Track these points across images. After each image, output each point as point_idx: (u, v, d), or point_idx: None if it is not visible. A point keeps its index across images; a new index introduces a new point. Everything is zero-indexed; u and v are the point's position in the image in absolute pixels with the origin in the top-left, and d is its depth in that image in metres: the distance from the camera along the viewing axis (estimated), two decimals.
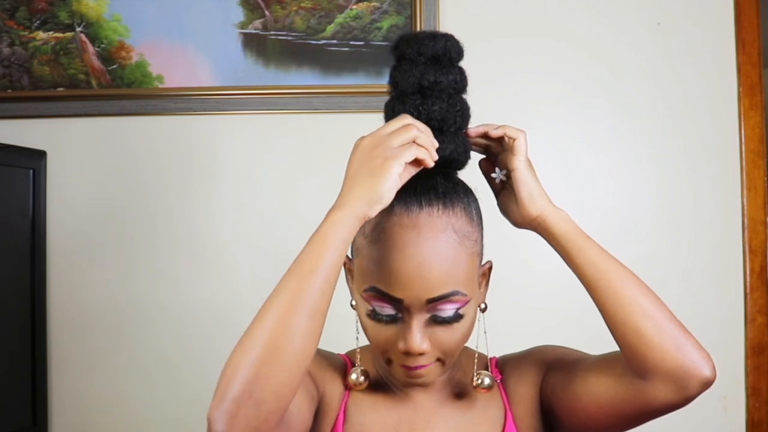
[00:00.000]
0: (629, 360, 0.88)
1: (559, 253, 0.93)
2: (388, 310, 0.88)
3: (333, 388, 0.98)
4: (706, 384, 0.86)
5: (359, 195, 0.81)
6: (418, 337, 0.87)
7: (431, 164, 0.84)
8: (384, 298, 0.87)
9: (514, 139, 0.93)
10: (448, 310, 0.87)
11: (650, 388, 0.86)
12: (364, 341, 0.95)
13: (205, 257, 1.85)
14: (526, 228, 0.95)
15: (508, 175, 0.94)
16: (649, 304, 0.88)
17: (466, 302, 0.88)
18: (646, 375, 0.86)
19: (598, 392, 0.90)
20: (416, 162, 0.84)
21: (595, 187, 1.86)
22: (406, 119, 0.86)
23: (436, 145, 0.86)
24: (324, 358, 1.00)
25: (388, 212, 0.87)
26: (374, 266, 0.87)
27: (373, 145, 0.83)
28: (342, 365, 1.01)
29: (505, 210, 0.97)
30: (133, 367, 1.84)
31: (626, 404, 0.88)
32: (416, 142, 0.84)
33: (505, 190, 0.96)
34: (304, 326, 0.79)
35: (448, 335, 0.88)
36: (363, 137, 0.85)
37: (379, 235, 0.88)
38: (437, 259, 0.86)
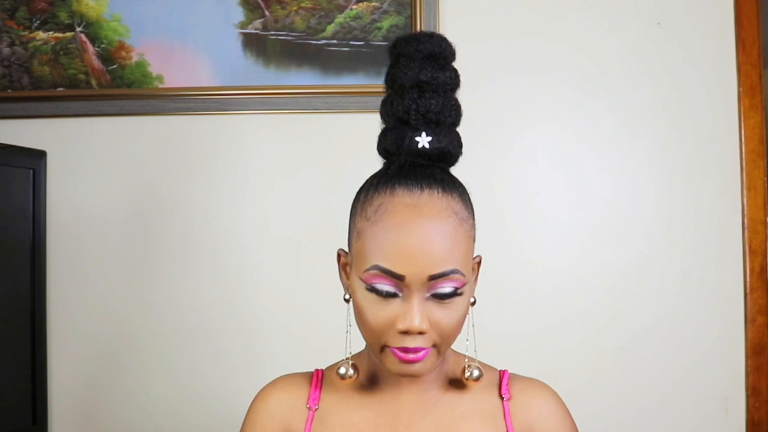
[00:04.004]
0: None
1: None
2: (388, 289, 0.88)
3: (294, 421, 0.99)
4: None
5: None
6: (419, 315, 0.87)
7: None
8: (386, 275, 0.88)
9: None
10: (447, 288, 0.88)
11: None
12: (355, 335, 0.94)
13: (203, 257, 1.85)
14: None
15: None
16: None
17: (464, 284, 0.89)
18: None
19: None
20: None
21: (594, 187, 1.86)
22: None
23: None
24: (269, 410, 1.01)
25: (390, 194, 0.90)
26: (377, 245, 0.89)
27: None
28: (306, 384, 1.02)
29: None
30: (132, 367, 1.84)
31: None
32: None
33: None
34: None
35: (446, 316, 0.89)
36: None
37: (381, 215, 0.89)
38: (439, 237, 0.87)
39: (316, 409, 0.99)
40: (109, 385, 1.85)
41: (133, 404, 1.84)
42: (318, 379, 1.01)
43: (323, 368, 1.04)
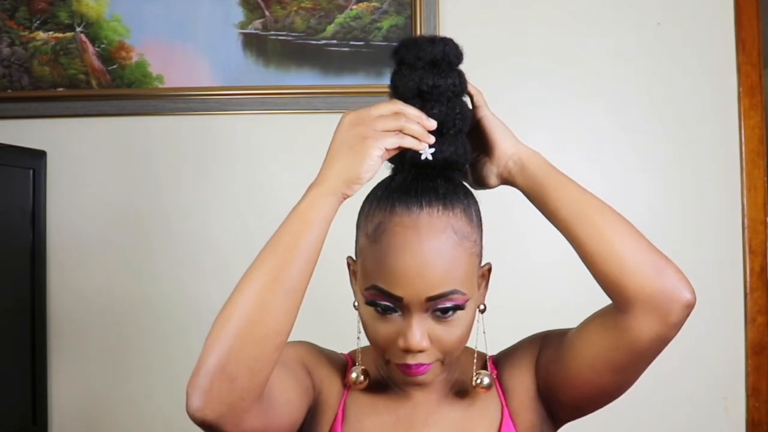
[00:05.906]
0: (610, 292, 0.88)
1: (533, 196, 0.94)
2: (387, 305, 0.89)
3: (331, 386, 0.98)
4: (688, 307, 0.85)
5: (338, 173, 0.84)
6: (418, 334, 0.88)
7: (422, 148, 0.87)
8: (384, 296, 0.88)
9: (473, 95, 0.96)
10: (447, 308, 0.88)
11: (633, 323, 0.85)
12: (365, 342, 0.95)
13: (203, 257, 1.85)
14: (502, 180, 0.96)
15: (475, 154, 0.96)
16: (627, 232, 0.92)
17: (465, 301, 0.89)
18: (628, 305, 0.85)
19: (587, 353, 0.90)
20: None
21: (594, 188, 1.84)
22: (397, 105, 0.87)
23: (431, 126, 0.88)
24: (324, 356, 1.01)
25: (389, 213, 0.89)
26: (375, 265, 0.89)
27: (356, 122, 0.86)
28: (343, 364, 1.02)
29: (479, 169, 0.98)
30: (133, 367, 1.84)
31: (615, 351, 0.87)
32: (403, 131, 0.86)
33: (476, 156, 0.98)
34: (280, 303, 0.80)
35: (447, 333, 0.89)
36: (349, 112, 0.87)
37: (380, 236, 0.89)
38: (437, 259, 0.87)
39: (349, 389, 0.99)
40: (109, 386, 1.85)
41: (132, 404, 1.84)
42: (351, 363, 1.02)
43: (346, 353, 1.05)
